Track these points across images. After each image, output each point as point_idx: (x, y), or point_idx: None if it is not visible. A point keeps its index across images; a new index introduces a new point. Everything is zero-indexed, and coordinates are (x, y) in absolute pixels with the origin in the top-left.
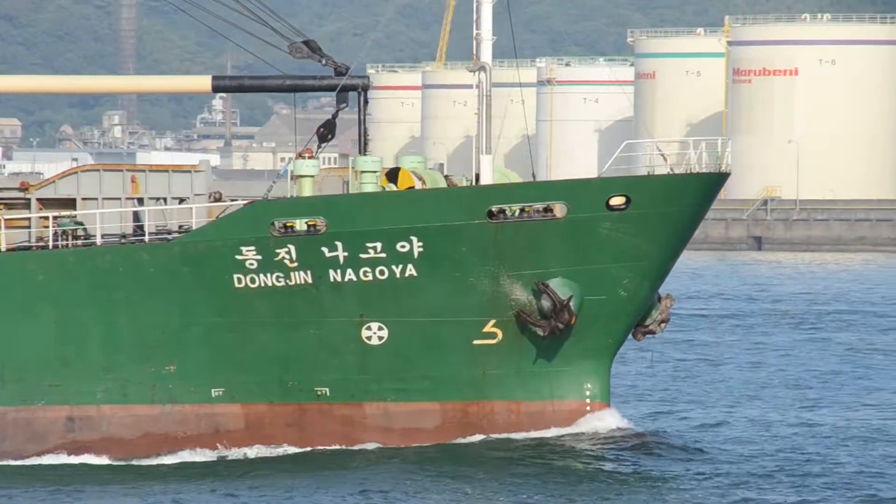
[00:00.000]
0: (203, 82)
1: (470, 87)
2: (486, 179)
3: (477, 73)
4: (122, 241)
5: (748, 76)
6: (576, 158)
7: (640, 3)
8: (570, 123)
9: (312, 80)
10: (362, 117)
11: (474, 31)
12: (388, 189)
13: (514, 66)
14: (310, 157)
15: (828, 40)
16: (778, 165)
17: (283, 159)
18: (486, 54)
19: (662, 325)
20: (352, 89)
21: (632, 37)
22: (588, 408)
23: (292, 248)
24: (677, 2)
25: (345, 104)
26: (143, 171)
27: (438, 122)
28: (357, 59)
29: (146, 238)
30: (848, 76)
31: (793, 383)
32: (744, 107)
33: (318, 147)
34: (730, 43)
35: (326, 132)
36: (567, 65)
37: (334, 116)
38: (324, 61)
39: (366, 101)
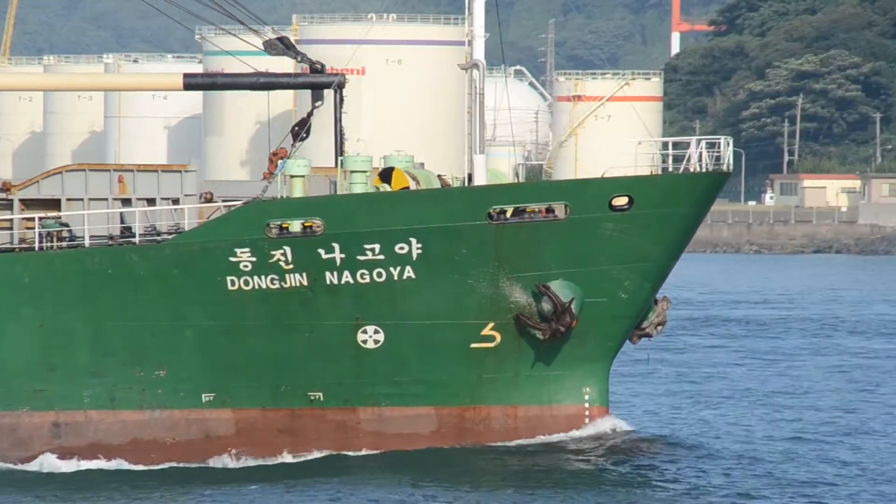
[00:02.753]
0: (175, 80)
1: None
2: (479, 180)
3: (470, 70)
4: (111, 242)
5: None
6: (144, 155)
7: None
8: (141, 120)
9: (286, 79)
10: (338, 115)
11: (466, 29)
12: (381, 189)
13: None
14: (283, 157)
15: (394, 40)
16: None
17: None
18: (479, 52)
19: (659, 327)
20: (326, 86)
21: (200, 34)
22: (587, 412)
23: (288, 249)
24: (244, 1)
25: (320, 102)
26: (132, 171)
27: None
28: None
29: (136, 240)
30: (414, 75)
31: (792, 385)
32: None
33: (293, 146)
34: (298, 41)
35: (301, 131)
36: (135, 61)
37: (309, 115)
38: (299, 58)
39: (341, 99)
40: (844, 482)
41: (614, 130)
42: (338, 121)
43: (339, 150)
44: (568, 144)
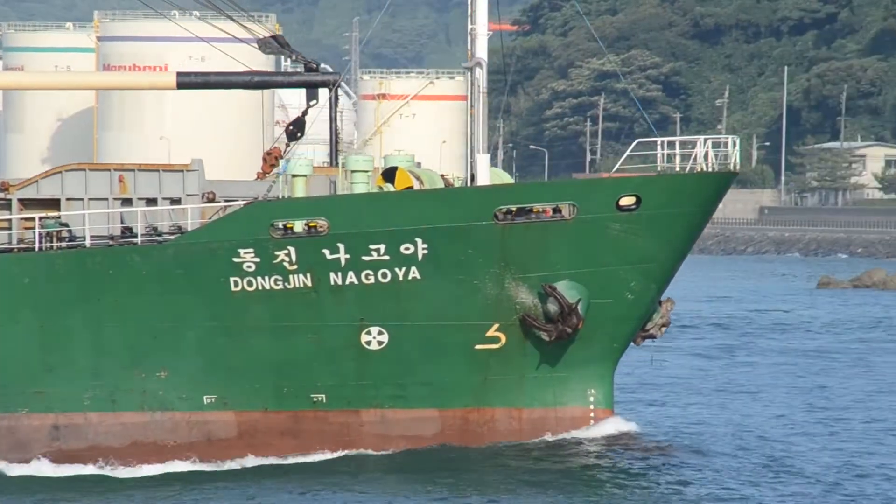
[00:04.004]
0: (168, 79)
1: None
2: (482, 180)
3: (473, 68)
4: (111, 243)
5: (119, 71)
6: None
7: None
8: None
9: (281, 77)
10: (333, 115)
11: (469, 26)
12: (385, 189)
13: None
14: (277, 157)
15: (197, 37)
16: (151, 161)
17: None
18: (482, 50)
19: (663, 328)
20: (322, 86)
21: None
22: (592, 414)
23: (292, 249)
24: None
25: (315, 101)
26: (132, 170)
27: None
28: None
29: (138, 240)
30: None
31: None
32: (115, 102)
33: (287, 145)
34: (99, 38)
35: (296, 130)
36: None
37: (304, 114)
38: (294, 57)
39: (336, 98)
40: (848, 481)
41: (419, 129)
42: (333, 120)
43: (335, 150)
44: (373, 143)
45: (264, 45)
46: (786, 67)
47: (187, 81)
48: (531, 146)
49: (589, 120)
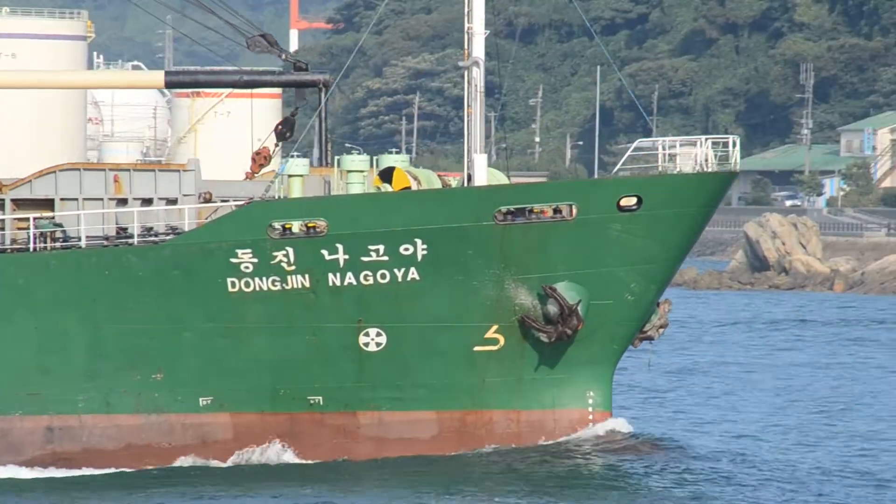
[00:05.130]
0: (156, 77)
1: None
2: (480, 180)
3: (470, 67)
4: (107, 243)
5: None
6: None
7: None
8: None
9: (270, 76)
10: (323, 115)
11: (465, 25)
12: (382, 189)
13: None
14: (267, 156)
15: (8, 34)
16: None
17: None
18: (479, 48)
19: (661, 330)
20: (311, 85)
21: None
22: (590, 416)
23: (291, 250)
24: None
25: (304, 101)
26: (128, 170)
27: None
28: None
29: (134, 240)
30: (33, 69)
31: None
32: None
33: (277, 145)
34: None
35: (285, 130)
36: None
37: (293, 114)
38: (283, 56)
39: (326, 98)
40: (847, 484)
41: (234, 126)
42: (323, 120)
43: (324, 150)
44: (187, 140)
45: (253, 44)
46: (598, 67)
47: (176, 80)
48: (347, 144)
49: (404, 118)
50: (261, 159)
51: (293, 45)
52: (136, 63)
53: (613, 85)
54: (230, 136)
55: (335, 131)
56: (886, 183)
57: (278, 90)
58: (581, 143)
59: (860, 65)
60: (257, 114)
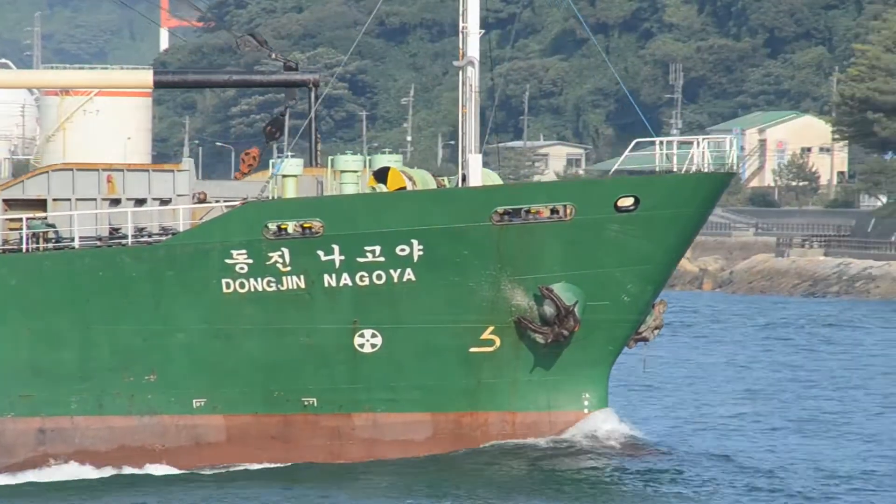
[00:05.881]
0: (144, 77)
1: None
2: (475, 180)
3: (465, 68)
4: (100, 244)
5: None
6: None
7: None
8: None
9: (260, 76)
10: (313, 115)
11: (460, 25)
12: (377, 189)
13: None
14: (256, 157)
15: None
16: None
17: None
18: (474, 48)
19: (656, 331)
20: (302, 85)
21: None
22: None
23: (286, 251)
24: None
25: (294, 100)
26: (121, 170)
27: None
28: None
29: (128, 241)
30: None
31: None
32: None
33: (266, 145)
34: None
35: (275, 130)
36: None
37: (282, 114)
38: (273, 55)
39: (317, 98)
40: (844, 489)
41: (103, 125)
42: (312, 120)
43: (314, 150)
44: (56, 139)
45: (243, 43)
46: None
47: (165, 80)
48: (217, 143)
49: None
50: (249, 160)
51: (163, 44)
52: (3, 61)
53: (485, 84)
54: (99, 134)
55: (205, 130)
56: (754, 183)
57: (148, 90)
58: (452, 142)
59: (728, 65)
60: (128, 112)
